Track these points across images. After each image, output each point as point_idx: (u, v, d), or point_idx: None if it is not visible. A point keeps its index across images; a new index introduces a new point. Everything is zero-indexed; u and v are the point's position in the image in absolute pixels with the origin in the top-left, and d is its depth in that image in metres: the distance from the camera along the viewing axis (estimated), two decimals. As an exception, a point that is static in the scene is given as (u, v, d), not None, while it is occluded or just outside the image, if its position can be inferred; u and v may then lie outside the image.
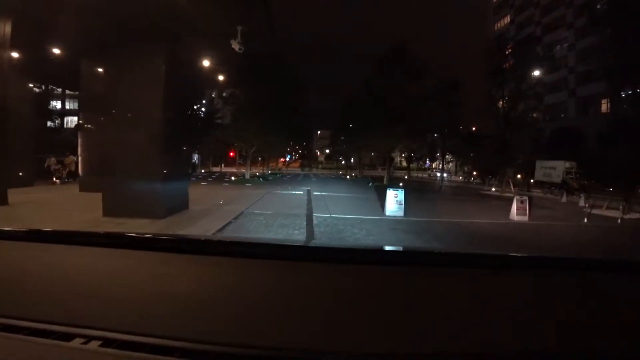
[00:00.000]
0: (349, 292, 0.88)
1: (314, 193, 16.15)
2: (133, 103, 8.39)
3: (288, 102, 25.18)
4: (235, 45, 10.00)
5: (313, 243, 2.66)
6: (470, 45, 53.72)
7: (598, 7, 21.52)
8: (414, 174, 53.93)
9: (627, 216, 11.38)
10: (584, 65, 34.54)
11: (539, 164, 26.72)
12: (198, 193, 13.47)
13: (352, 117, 25.84)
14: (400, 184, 21.43)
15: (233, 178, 26.13)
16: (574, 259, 1.18)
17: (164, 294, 0.86)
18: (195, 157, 41.27)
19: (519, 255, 1.17)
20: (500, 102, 24.10)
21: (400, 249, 1.75)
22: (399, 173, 50.73)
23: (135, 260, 1.09)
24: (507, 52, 23.74)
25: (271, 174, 38.57)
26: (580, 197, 17.15)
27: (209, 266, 1.04)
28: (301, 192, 16.33)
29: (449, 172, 49.64)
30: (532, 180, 27.03)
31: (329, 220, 8.84)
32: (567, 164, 24.60)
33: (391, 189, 10.26)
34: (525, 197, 10.51)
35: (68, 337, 0.67)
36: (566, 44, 37.72)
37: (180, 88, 9.44)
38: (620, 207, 11.57)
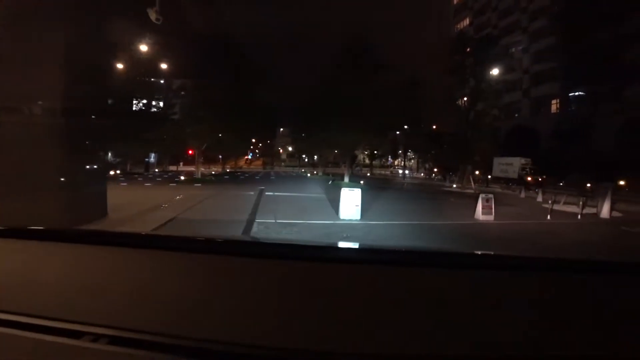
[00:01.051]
0: (345, 292, 0.86)
1: (267, 193, 14.72)
2: (21, 89, 6.74)
3: (242, 95, 23.37)
4: (152, 15, 8.26)
5: (323, 243, 2.44)
6: (432, 45, 55.10)
7: (556, 8, 22.32)
8: (377, 171, 54.30)
9: (584, 211, 11.35)
10: (537, 66, 36.16)
11: (496, 160, 27.42)
12: (132, 196, 11.90)
13: (311, 111, 24.69)
14: (361, 182, 20.56)
15: (182, 178, 24.03)
16: (569, 260, 1.16)
17: (171, 293, 0.85)
18: (152, 155, 38.37)
19: (515, 255, 1.16)
20: (461, 100, 24.42)
21: (396, 248, 1.62)
22: (363, 170, 50.62)
23: (143, 259, 1.07)
24: (467, 50, 23.98)
25: (228, 172, 36.64)
26: (537, 192, 17.35)
27: (216, 265, 1.02)
28: (252, 193, 14.82)
29: (410, 169, 50.32)
30: (489, 177, 27.65)
31: (272, 227, 7.51)
32: (523, 160, 25.43)
33: (346, 188, 9.12)
34: (490, 195, 9.89)
35: (77, 334, 0.68)
36: (520, 47, 39.33)
37: (89, 72, 7.78)
38: (580, 202, 11.48)
